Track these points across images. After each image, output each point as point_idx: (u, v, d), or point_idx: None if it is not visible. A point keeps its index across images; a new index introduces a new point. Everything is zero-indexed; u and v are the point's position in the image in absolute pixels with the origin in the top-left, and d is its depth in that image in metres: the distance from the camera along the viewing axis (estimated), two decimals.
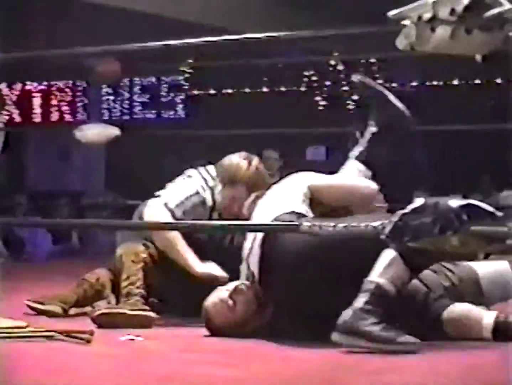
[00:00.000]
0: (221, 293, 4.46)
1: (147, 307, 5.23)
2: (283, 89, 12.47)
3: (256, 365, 3.79)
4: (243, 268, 4.69)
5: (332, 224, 3.47)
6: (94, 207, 12.67)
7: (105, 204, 12.45)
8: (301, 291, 4.33)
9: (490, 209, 2.86)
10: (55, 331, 4.31)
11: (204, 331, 4.51)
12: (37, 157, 16.38)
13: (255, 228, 4.49)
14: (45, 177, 15.86)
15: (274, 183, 5.10)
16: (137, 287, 5.27)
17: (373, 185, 4.98)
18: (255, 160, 5.56)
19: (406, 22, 2.74)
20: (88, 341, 4.14)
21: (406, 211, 2.69)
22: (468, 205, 2.80)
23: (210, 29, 11.97)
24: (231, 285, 4.50)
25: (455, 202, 2.81)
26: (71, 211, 12.67)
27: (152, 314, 5.15)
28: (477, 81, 11.26)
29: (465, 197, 3.24)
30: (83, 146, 8.59)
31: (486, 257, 4.65)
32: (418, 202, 2.78)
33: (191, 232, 5.55)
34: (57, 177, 15.74)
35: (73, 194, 14.14)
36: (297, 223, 3.33)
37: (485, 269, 4.57)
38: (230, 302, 4.36)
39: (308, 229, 3.23)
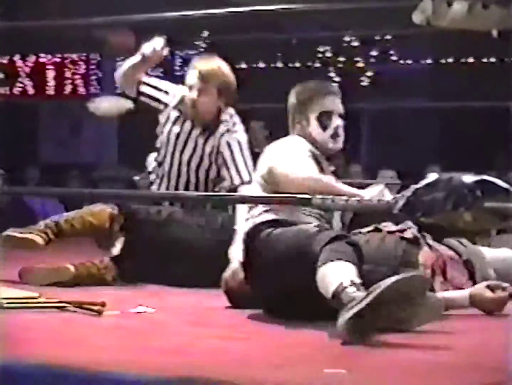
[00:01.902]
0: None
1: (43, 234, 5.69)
2: (297, 65, 12.32)
3: (264, 339, 3.80)
4: None
5: (345, 198, 3.47)
6: (106, 180, 12.60)
7: (117, 177, 12.38)
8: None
9: (504, 185, 2.85)
10: (67, 302, 4.31)
11: (215, 303, 4.56)
12: (49, 130, 16.23)
13: (267, 200, 4.50)
14: (57, 150, 15.72)
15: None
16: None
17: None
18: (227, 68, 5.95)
19: None
20: (100, 313, 4.15)
21: (419, 185, 2.68)
22: (482, 180, 2.79)
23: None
24: None
25: (469, 178, 2.80)
26: (83, 184, 12.64)
27: (38, 239, 5.58)
28: (492, 59, 11.16)
29: (479, 173, 3.22)
30: (97, 119, 8.57)
31: (498, 233, 4.66)
32: (432, 176, 2.77)
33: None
34: (69, 150, 15.61)
35: (85, 167, 14.03)
36: (309, 196, 3.28)
37: (493, 254, 4.60)
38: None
39: (321, 202, 3.21)
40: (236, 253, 4.92)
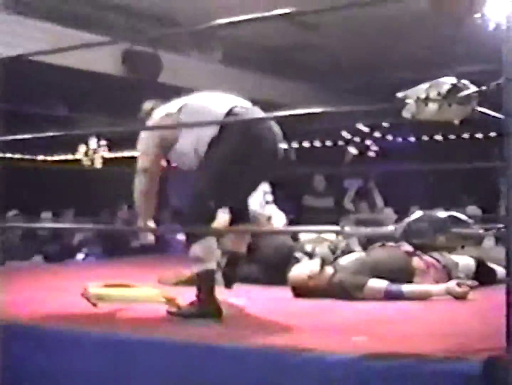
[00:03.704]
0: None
1: None
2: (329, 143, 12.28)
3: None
4: None
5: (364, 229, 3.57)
6: None
7: None
8: None
9: (464, 218, 2.93)
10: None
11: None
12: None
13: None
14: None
15: None
16: None
17: None
18: None
19: (409, 100, 2.81)
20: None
21: (410, 220, 2.77)
22: (450, 215, 2.87)
23: None
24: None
25: (442, 214, 2.88)
26: None
27: None
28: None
29: (447, 210, 3.30)
30: None
31: (463, 248, 4.72)
32: (418, 213, 2.86)
33: None
34: None
35: None
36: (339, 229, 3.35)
37: (461, 261, 4.66)
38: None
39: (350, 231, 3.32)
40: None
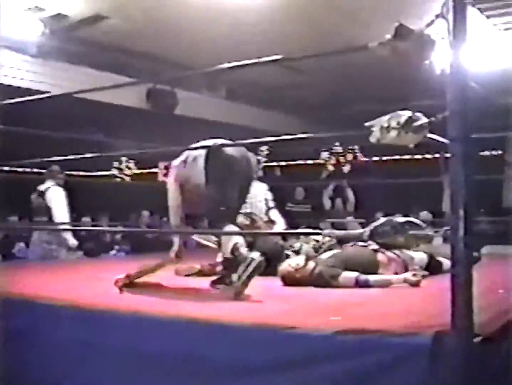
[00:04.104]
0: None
1: None
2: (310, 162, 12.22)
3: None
4: None
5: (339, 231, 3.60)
6: None
7: None
8: None
9: (418, 222, 2.93)
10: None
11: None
12: None
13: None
14: None
15: None
16: None
17: None
18: None
19: (374, 128, 2.81)
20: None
21: (376, 224, 2.77)
22: (407, 220, 2.87)
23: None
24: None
25: (401, 219, 2.89)
26: None
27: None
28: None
29: (405, 216, 3.31)
30: None
31: (417, 245, 4.74)
32: (382, 219, 2.86)
33: None
34: None
35: None
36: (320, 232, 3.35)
37: (416, 255, 4.67)
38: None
39: (327, 233, 3.32)
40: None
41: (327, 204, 10.43)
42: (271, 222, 5.80)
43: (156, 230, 10.11)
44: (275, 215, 5.89)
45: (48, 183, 7.35)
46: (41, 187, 7.38)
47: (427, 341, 2.33)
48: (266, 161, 6.69)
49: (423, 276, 4.23)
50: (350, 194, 10.37)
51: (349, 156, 11.21)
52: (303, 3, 7.68)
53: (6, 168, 7.94)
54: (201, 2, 7.69)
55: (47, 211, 7.12)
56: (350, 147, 9.28)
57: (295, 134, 3.39)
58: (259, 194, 5.85)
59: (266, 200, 5.87)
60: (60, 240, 7.23)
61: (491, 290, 3.51)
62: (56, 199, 7.16)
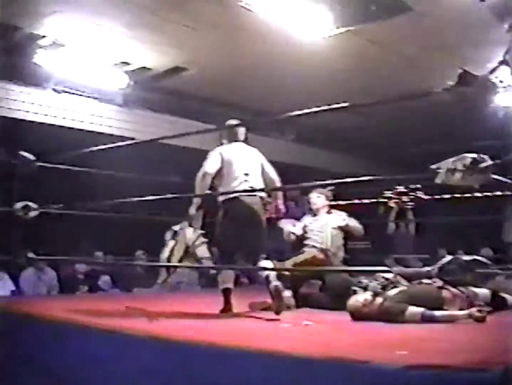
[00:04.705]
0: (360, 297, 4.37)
1: None
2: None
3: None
4: None
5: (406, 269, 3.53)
6: None
7: None
8: None
9: (484, 260, 2.85)
10: None
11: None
12: None
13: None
14: None
15: None
16: None
17: None
18: None
19: (441, 170, 2.77)
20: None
21: (443, 262, 2.71)
22: (474, 259, 2.79)
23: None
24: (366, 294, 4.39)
25: (467, 257, 2.82)
26: None
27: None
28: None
29: (467, 252, 3.23)
30: None
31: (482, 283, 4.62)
32: (449, 257, 2.79)
33: None
34: None
35: None
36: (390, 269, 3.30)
37: (481, 292, 4.54)
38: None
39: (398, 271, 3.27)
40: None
41: (391, 227, 10.31)
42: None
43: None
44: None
45: (183, 224, 7.50)
46: (176, 227, 7.52)
47: (496, 376, 2.23)
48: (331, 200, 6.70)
49: (488, 312, 4.10)
50: (410, 215, 10.18)
51: (411, 195, 10.98)
52: (366, 50, 7.70)
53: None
54: (270, 53, 7.80)
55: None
56: (412, 186, 9.10)
57: (357, 174, 3.34)
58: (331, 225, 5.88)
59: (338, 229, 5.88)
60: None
61: None
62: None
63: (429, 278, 4.37)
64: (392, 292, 4.43)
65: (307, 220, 6.04)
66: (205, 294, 6.66)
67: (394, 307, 4.13)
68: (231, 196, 4.62)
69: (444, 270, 2.64)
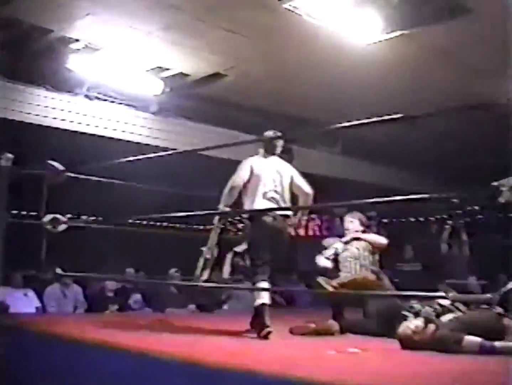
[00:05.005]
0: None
1: None
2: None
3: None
4: None
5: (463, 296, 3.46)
6: None
7: None
8: None
9: None
10: None
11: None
12: None
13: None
14: None
15: None
16: None
17: None
18: None
19: (504, 188, 2.70)
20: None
21: (506, 289, 2.63)
22: None
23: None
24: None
25: None
26: None
27: None
28: None
29: None
30: None
31: None
32: (510, 285, 2.71)
33: None
34: None
35: None
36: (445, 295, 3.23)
37: None
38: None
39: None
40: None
41: (444, 248, 10.21)
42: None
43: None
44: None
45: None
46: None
47: None
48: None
49: None
50: (464, 235, 10.10)
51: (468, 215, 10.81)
52: (419, 56, 7.63)
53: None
54: (316, 60, 7.80)
55: None
56: (469, 208, 8.95)
57: (406, 189, 3.27)
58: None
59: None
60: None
61: None
62: None
63: (489, 305, 4.27)
64: (445, 318, 4.35)
65: (338, 245, 5.92)
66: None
67: (449, 335, 4.03)
68: (255, 214, 4.93)
69: (507, 298, 2.56)
